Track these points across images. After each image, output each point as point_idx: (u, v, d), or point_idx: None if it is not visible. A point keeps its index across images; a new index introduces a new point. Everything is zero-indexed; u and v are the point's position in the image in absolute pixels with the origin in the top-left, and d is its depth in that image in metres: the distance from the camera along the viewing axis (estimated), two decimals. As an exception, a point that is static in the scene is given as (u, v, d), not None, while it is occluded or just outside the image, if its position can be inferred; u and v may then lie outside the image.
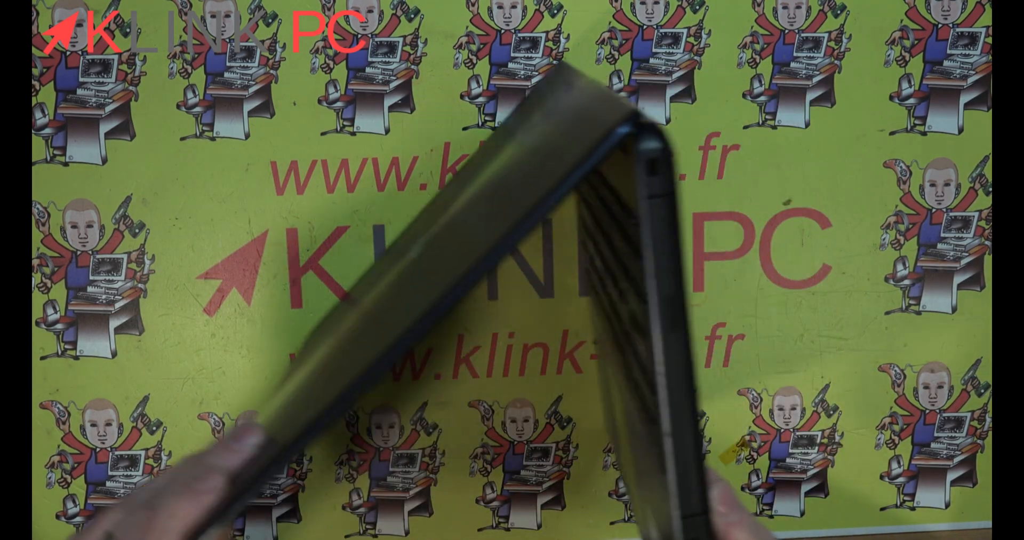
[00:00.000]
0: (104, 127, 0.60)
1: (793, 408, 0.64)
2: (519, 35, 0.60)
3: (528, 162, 0.44)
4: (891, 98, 0.62)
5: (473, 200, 0.48)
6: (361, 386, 0.39)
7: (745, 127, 0.62)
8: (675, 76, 0.61)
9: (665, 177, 0.37)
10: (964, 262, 0.63)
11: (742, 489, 0.64)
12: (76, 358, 0.62)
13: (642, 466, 0.46)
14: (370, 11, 0.60)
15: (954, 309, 0.64)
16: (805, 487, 0.65)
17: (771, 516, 0.64)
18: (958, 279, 0.63)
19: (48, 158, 0.60)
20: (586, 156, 0.36)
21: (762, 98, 0.61)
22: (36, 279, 0.61)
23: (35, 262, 0.61)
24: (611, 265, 0.47)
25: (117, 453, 0.62)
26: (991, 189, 0.62)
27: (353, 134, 0.61)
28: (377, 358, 0.39)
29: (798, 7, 0.61)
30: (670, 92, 0.61)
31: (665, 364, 0.40)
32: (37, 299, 0.61)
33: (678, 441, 0.41)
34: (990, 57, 0.61)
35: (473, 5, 0.60)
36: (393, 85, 0.61)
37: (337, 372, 0.44)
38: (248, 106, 0.60)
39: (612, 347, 0.51)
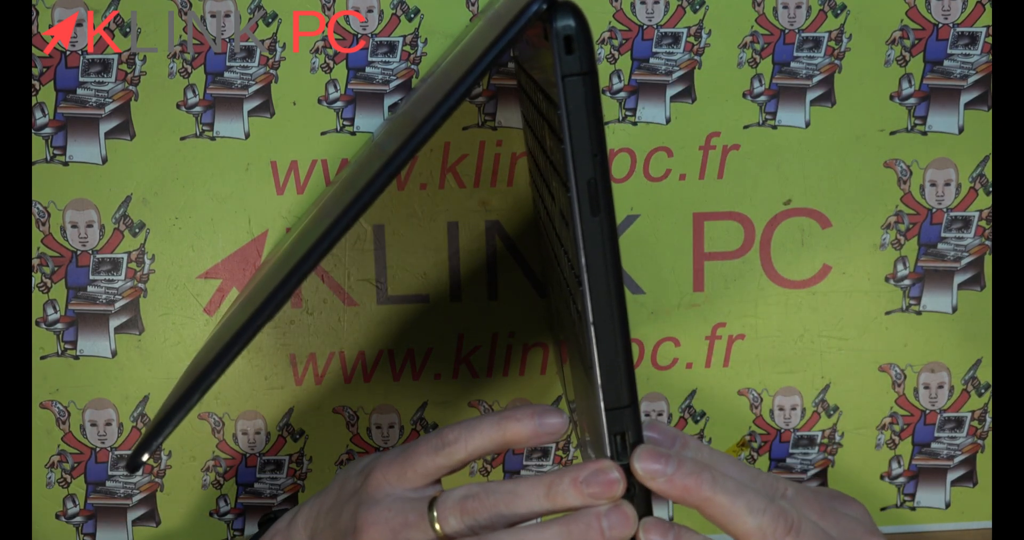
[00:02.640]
0: (104, 127, 0.60)
1: (793, 408, 0.64)
2: (519, 35, 0.60)
3: (454, 62, 0.44)
4: (891, 98, 0.62)
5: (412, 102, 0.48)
6: (261, 315, 0.40)
7: (745, 127, 0.62)
8: (675, 76, 0.61)
9: (582, 55, 0.37)
10: (964, 262, 0.63)
11: (742, 489, 0.64)
12: (76, 358, 0.62)
13: (577, 376, 0.45)
14: (370, 11, 0.60)
15: (954, 309, 0.64)
16: (805, 487, 0.65)
17: (771, 516, 0.64)
18: (958, 279, 0.63)
19: (48, 158, 0.60)
20: (501, 34, 0.36)
21: (762, 98, 0.61)
22: (36, 279, 0.61)
23: (35, 262, 0.61)
24: (546, 171, 0.46)
25: (117, 453, 0.62)
26: (991, 189, 0.62)
27: (353, 134, 0.61)
28: (292, 267, 0.39)
29: (798, 7, 0.61)
30: (670, 92, 0.61)
31: (586, 250, 0.39)
32: (37, 299, 0.61)
33: (601, 330, 0.40)
34: (990, 57, 0.61)
35: (473, 5, 0.60)
36: (393, 85, 0.61)
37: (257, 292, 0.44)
38: (248, 106, 0.60)
39: (553, 266, 0.50)
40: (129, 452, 0.62)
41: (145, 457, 0.43)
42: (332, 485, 0.48)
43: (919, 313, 0.63)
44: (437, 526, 0.42)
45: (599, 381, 0.40)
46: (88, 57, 0.59)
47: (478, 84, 0.37)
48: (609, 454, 0.41)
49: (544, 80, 0.41)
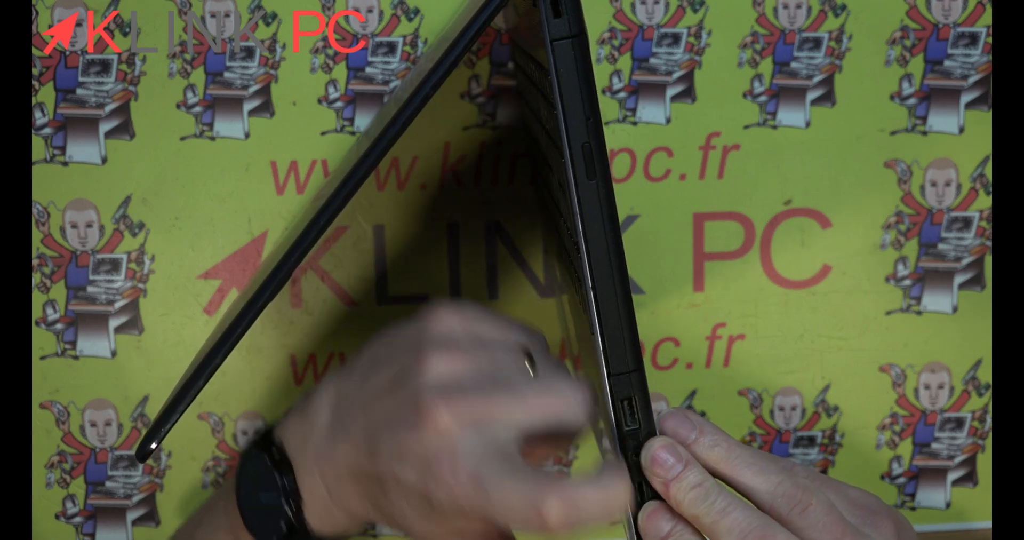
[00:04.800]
0: (104, 127, 0.60)
1: (793, 408, 0.64)
2: (519, 35, 0.60)
3: (438, 46, 0.44)
4: (892, 98, 0.62)
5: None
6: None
7: (745, 127, 0.62)
8: (675, 76, 0.61)
9: (570, 18, 0.37)
10: (965, 262, 0.63)
11: (742, 489, 0.64)
12: (76, 358, 0.61)
13: (584, 347, 0.45)
14: (370, 11, 0.60)
15: (955, 309, 0.64)
16: (805, 487, 0.64)
17: (771, 516, 0.64)
18: (959, 279, 0.63)
19: (48, 158, 0.60)
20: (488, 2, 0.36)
21: (762, 98, 0.61)
22: (36, 279, 0.61)
23: (35, 262, 0.61)
24: (546, 148, 0.46)
25: (117, 453, 0.62)
26: (991, 189, 0.62)
27: (353, 134, 0.61)
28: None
29: (798, 7, 0.61)
30: (670, 92, 0.61)
31: (582, 215, 0.38)
32: (37, 299, 0.61)
33: (602, 294, 0.39)
34: (990, 57, 0.61)
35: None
36: (393, 85, 0.61)
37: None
38: (248, 106, 0.60)
39: (555, 240, 0.50)
40: (131, 452, 0.62)
41: (153, 446, 0.43)
42: (365, 349, 0.46)
43: (919, 313, 0.63)
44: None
45: (601, 347, 0.40)
46: (88, 57, 0.59)
47: (471, 52, 0.37)
48: (615, 422, 0.40)
49: (536, 48, 0.41)
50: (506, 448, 0.40)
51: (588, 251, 0.39)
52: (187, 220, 0.61)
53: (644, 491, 0.41)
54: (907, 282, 0.63)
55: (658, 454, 0.40)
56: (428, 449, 0.40)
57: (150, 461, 0.62)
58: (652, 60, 0.61)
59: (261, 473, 0.46)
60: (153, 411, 0.62)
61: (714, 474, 0.41)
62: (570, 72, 0.37)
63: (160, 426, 0.43)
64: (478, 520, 0.41)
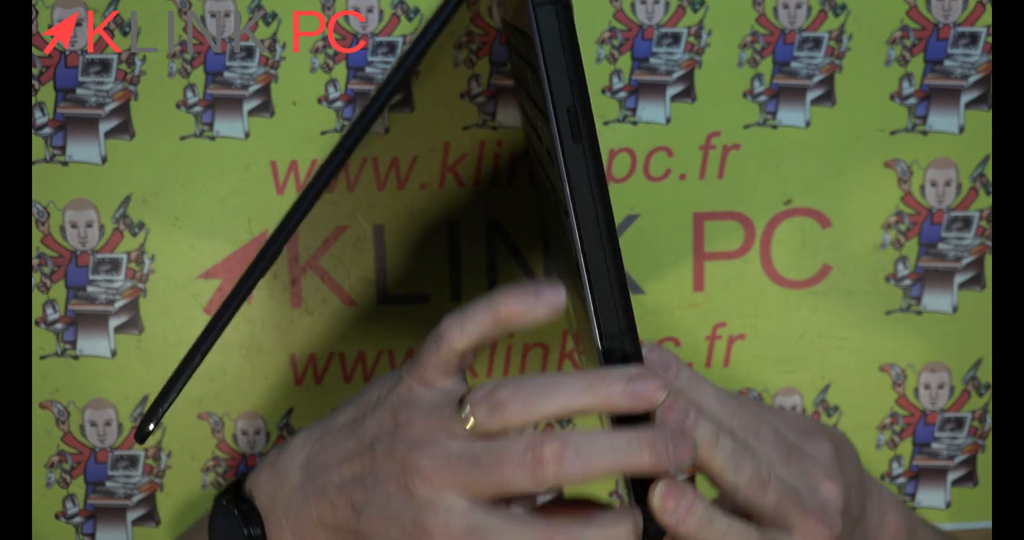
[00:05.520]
0: (104, 127, 0.60)
1: (793, 408, 0.64)
2: (519, 35, 0.60)
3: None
4: (892, 98, 0.62)
5: None
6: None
7: (745, 127, 0.62)
8: (675, 76, 0.61)
9: None
10: (965, 262, 0.63)
11: (742, 489, 0.64)
12: (76, 358, 0.62)
13: (579, 318, 0.45)
14: (370, 11, 0.60)
15: (955, 309, 0.64)
16: (805, 487, 0.64)
17: (771, 516, 0.64)
18: (959, 279, 0.63)
19: (48, 158, 0.60)
20: None
21: (762, 98, 0.61)
22: (36, 279, 0.61)
23: (35, 262, 0.61)
24: (532, 116, 0.46)
25: (117, 453, 0.62)
26: (991, 189, 0.62)
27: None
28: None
29: (798, 6, 0.61)
30: (670, 92, 0.61)
31: (570, 178, 0.39)
32: (37, 299, 0.61)
33: (591, 256, 0.39)
34: (990, 57, 0.61)
35: (473, 5, 0.60)
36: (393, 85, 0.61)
37: None
38: (248, 106, 0.60)
39: (549, 212, 0.50)
40: (131, 452, 0.62)
41: (151, 427, 0.44)
42: (339, 411, 0.47)
43: (919, 313, 0.63)
44: (470, 422, 0.41)
45: (593, 309, 0.40)
46: (88, 57, 0.59)
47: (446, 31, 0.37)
48: None
49: (522, 20, 0.41)
50: (491, 499, 0.42)
51: (576, 213, 0.39)
52: (187, 220, 0.61)
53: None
54: (907, 282, 0.63)
55: (666, 504, 0.41)
56: (415, 509, 0.41)
57: (150, 461, 0.62)
58: (652, 60, 0.61)
59: (231, 524, 0.48)
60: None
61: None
62: (553, 36, 0.37)
63: (158, 406, 0.43)
64: None
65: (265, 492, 0.47)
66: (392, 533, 0.42)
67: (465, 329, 0.43)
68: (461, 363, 0.44)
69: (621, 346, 0.41)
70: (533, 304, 0.42)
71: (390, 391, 0.45)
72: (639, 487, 0.41)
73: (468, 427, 0.41)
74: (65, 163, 0.60)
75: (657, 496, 0.41)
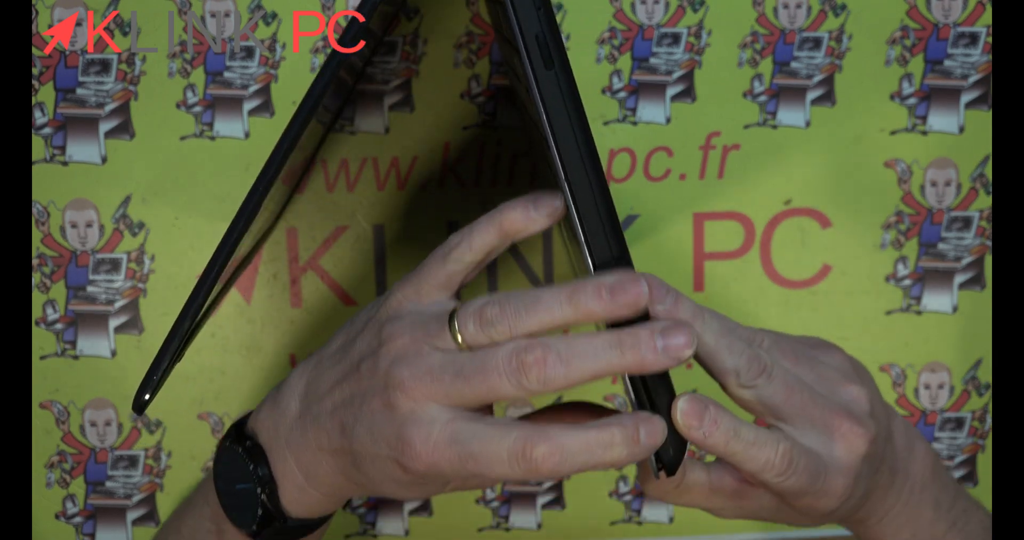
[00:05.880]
0: (104, 127, 0.60)
1: (793, 408, 0.64)
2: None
3: None
4: (892, 98, 0.62)
5: None
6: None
7: (745, 127, 0.62)
8: (675, 76, 0.61)
9: None
10: (965, 262, 0.63)
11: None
12: (76, 358, 0.61)
13: (577, 258, 0.45)
14: (370, 11, 0.60)
15: (955, 309, 0.64)
16: (805, 487, 0.64)
17: (771, 516, 0.64)
18: (959, 279, 0.63)
19: (48, 158, 0.60)
20: None
21: (762, 98, 0.61)
22: (36, 279, 0.61)
23: (35, 262, 0.61)
24: (509, 57, 0.46)
25: (117, 453, 0.62)
26: (991, 189, 0.62)
27: (353, 134, 0.61)
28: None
29: (798, 6, 0.61)
30: (670, 92, 0.61)
31: (545, 106, 0.38)
32: (37, 299, 0.61)
33: (575, 184, 0.39)
34: (990, 57, 0.61)
35: (472, 4, 0.60)
36: (392, 85, 0.61)
37: None
38: (248, 106, 0.60)
39: (539, 160, 0.50)
40: (131, 452, 0.62)
41: (147, 396, 0.43)
42: (334, 338, 0.47)
43: (919, 313, 0.63)
44: (458, 336, 0.41)
45: (583, 238, 0.40)
46: (88, 57, 0.59)
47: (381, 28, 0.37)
48: None
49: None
50: (473, 408, 0.42)
51: (556, 141, 0.39)
52: (187, 220, 0.61)
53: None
54: (907, 282, 0.63)
55: (689, 421, 0.41)
56: (398, 423, 0.42)
57: (150, 461, 0.62)
58: (652, 60, 0.61)
59: (236, 464, 0.47)
60: (153, 411, 0.62)
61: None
62: None
63: (152, 374, 0.43)
64: (458, 479, 0.43)
65: (267, 428, 0.47)
66: (380, 450, 0.42)
67: (473, 242, 0.44)
68: (461, 279, 0.45)
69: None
70: (533, 213, 0.43)
71: (379, 308, 0.45)
72: (651, 400, 0.41)
73: (458, 342, 0.41)
74: (65, 163, 0.60)
75: (679, 412, 0.41)
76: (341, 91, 0.52)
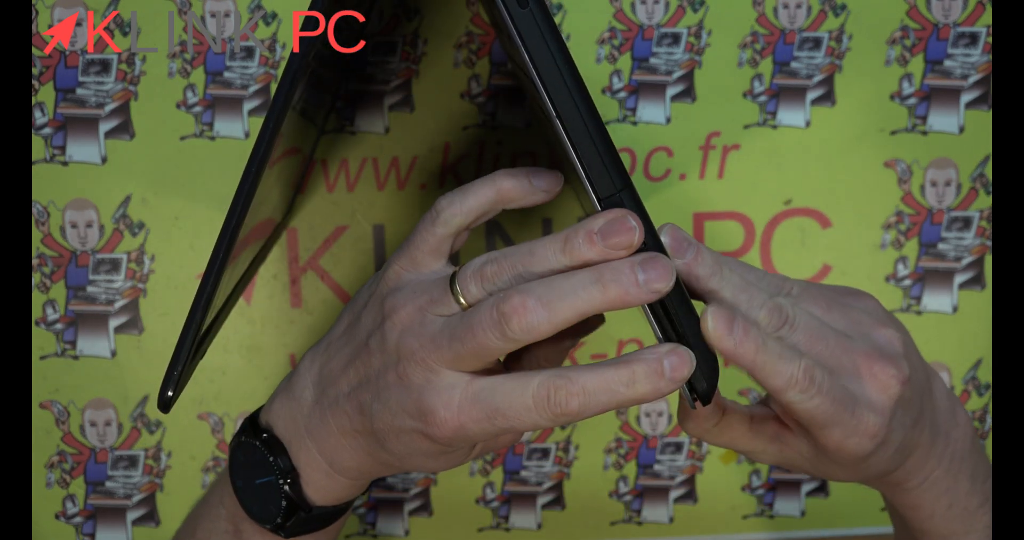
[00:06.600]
0: (104, 127, 0.60)
1: (793, 408, 0.64)
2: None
3: None
4: (892, 98, 0.62)
5: None
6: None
7: (745, 127, 0.62)
8: (675, 76, 0.61)
9: None
10: (965, 262, 0.63)
11: (742, 490, 0.64)
12: (76, 358, 0.61)
13: (587, 204, 0.44)
14: (370, 11, 0.60)
15: (955, 309, 0.64)
16: (806, 487, 0.64)
17: (771, 516, 0.64)
18: (959, 279, 0.63)
19: (48, 158, 0.60)
20: None
21: (762, 98, 0.61)
22: (36, 279, 0.61)
23: (35, 262, 0.61)
24: (490, 8, 0.45)
25: (117, 453, 0.62)
26: (991, 189, 0.62)
27: (353, 134, 0.61)
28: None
29: (798, 7, 0.61)
30: (670, 92, 0.61)
31: (526, 46, 0.38)
32: (37, 299, 0.61)
33: (568, 120, 0.39)
34: (990, 57, 0.61)
35: (472, 5, 0.60)
36: (392, 85, 0.61)
37: None
38: (248, 106, 0.60)
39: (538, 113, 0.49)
40: (131, 451, 0.62)
41: (170, 393, 0.43)
42: (339, 320, 0.47)
43: (919, 313, 0.63)
44: (461, 299, 0.41)
45: (584, 174, 0.39)
46: (88, 57, 0.59)
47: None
48: None
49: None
50: (480, 369, 0.41)
51: (542, 79, 0.38)
52: (187, 220, 0.61)
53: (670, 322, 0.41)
54: (907, 282, 0.63)
55: (719, 330, 0.40)
56: (416, 394, 0.41)
57: (150, 461, 0.62)
58: (652, 60, 0.61)
59: (254, 458, 0.47)
60: (153, 411, 0.62)
61: (711, 295, 0.42)
62: None
63: (172, 369, 0.43)
64: (486, 439, 0.43)
65: (284, 418, 0.47)
66: (403, 423, 0.42)
67: (464, 205, 0.43)
68: (453, 243, 0.44)
69: (620, 204, 0.40)
70: (528, 187, 0.43)
71: (379, 283, 0.44)
72: (675, 328, 0.40)
73: (462, 304, 0.41)
74: (65, 163, 0.60)
75: (709, 323, 0.40)
76: (323, 86, 0.51)
